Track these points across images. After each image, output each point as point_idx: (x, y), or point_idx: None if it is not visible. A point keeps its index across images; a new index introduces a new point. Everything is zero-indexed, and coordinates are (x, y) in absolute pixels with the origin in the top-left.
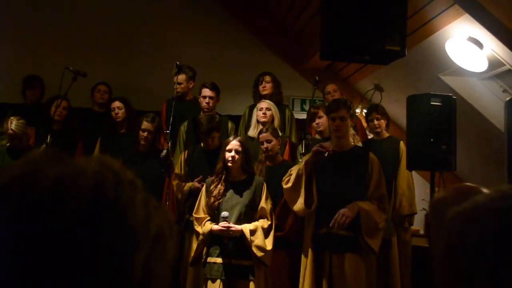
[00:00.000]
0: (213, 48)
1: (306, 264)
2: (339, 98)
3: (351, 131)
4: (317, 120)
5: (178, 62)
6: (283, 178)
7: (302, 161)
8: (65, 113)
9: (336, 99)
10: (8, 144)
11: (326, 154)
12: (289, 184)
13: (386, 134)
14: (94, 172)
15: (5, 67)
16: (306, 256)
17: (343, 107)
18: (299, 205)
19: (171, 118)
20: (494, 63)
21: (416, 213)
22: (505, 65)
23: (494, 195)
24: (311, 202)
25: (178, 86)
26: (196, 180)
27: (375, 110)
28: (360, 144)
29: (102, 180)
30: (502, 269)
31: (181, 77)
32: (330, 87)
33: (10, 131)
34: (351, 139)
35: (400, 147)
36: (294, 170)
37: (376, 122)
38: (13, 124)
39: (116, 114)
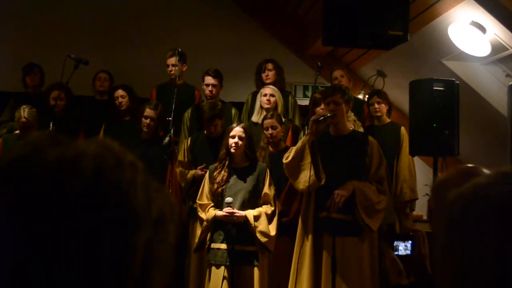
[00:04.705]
0: (216, 35)
1: (305, 247)
2: (336, 84)
3: (352, 117)
4: (322, 105)
5: (179, 49)
6: (284, 155)
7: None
8: (62, 103)
9: (332, 85)
10: (17, 132)
11: (321, 118)
12: (289, 158)
13: (387, 120)
14: (95, 154)
15: (6, 56)
16: (304, 239)
17: (338, 92)
18: (307, 178)
19: (173, 105)
20: (497, 48)
21: (417, 198)
22: (508, 49)
23: (495, 178)
24: (320, 176)
25: (173, 68)
26: (199, 168)
27: (376, 93)
28: (361, 129)
29: (103, 162)
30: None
31: (175, 60)
32: (337, 73)
33: (23, 119)
34: (351, 125)
35: (401, 133)
36: (294, 147)
37: (376, 105)
38: (25, 112)
39: (120, 103)
